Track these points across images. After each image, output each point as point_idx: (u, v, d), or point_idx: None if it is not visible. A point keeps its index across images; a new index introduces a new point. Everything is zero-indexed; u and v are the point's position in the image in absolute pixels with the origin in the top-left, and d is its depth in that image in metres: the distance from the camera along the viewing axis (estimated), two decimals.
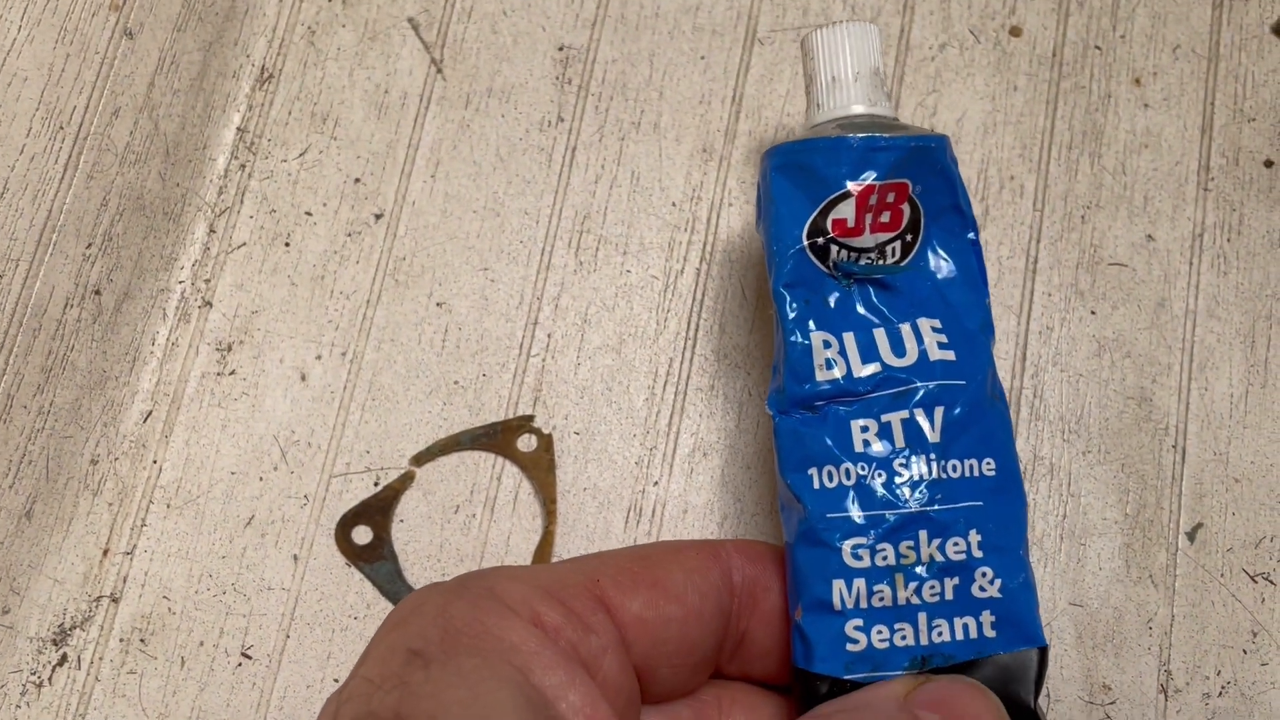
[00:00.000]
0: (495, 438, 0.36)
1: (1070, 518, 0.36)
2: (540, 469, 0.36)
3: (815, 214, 0.30)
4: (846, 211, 0.30)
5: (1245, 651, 0.35)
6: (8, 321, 0.33)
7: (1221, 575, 0.35)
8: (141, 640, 0.35)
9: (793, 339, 0.30)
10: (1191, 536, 0.36)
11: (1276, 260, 0.38)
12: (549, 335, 0.38)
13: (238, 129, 0.39)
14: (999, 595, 0.28)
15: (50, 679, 0.34)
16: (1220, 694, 0.34)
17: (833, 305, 0.30)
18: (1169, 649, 0.35)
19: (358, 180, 0.39)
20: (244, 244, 0.38)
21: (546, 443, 0.36)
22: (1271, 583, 0.35)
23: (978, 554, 0.28)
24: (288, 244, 0.38)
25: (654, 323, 0.38)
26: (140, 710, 0.34)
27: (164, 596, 0.35)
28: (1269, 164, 0.39)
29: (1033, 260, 0.38)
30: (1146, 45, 0.40)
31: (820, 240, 0.30)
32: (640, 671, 0.25)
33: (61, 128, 0.35)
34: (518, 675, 0.20)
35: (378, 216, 0.39)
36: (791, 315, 0.30)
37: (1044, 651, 0.28)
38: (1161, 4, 0.40)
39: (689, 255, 0.38)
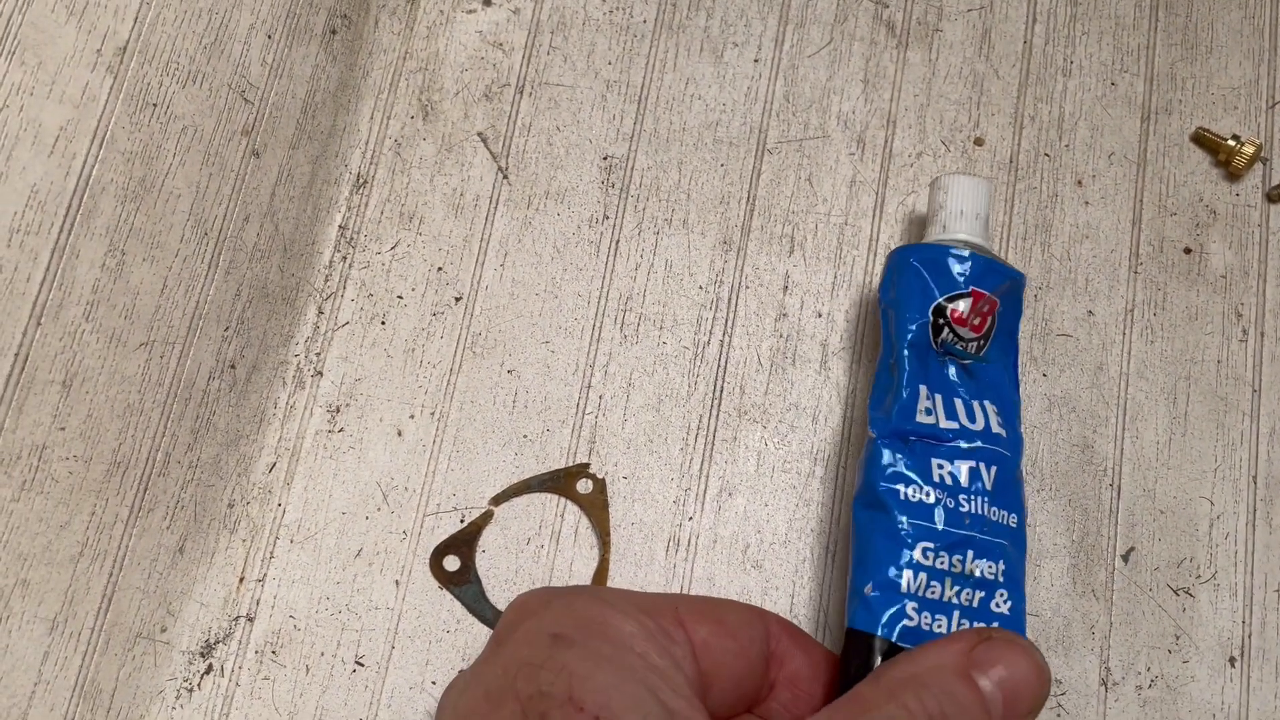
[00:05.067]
0: (558, 482, 0.44)
1: (1028, 544, 0.44)
2: (596, 508, 0.44)
3: (942, 299, 0.39)
4: (963, 306, 0.39)
5: (1170, 652, 0.43)
6: (166, 394, 0.41)
7: (1150, 590, 0.43)
8: (273, 652, 0.42)
9: (905, 386, 0.39)
10: (1126, 558, 0.44)
11: (1194, 331, 0.46)
12: (600, 396, 0.46)
13: (340, 227, 0.47)
14: (1007, 614, 0.37)
15: (199, 685, 0.42)
16: (1150, 686, 0.42)
17: (933, 369, 0.39)
18: (1108, 650, 0.43)
19: (440, 269, 0.47)
20: (347, 323, 0.46)
21: (600, 486, 0.44)
22: (1191, 595, 0.43)
23: (1000, 580, 0.37)
24: (383, 322, 0.46)
25: (686, 385, 0.46)
26: (274, 710, 0.42)
27: (290, 616, 0.43)
28: (1188, 251, 0.47)
29: None
30: (1087, 153, 0.48)
31: (940, 320, 0.39)
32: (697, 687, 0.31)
33: (206, 234, 0.43)
34: (640, 661, 0.27)
35: (457, 299, 0.47)
36: (908, 369, 0.39)
37: None
38: (1099, 118, 0.49)
39: (714, 329, 0.46)
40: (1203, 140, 0.48)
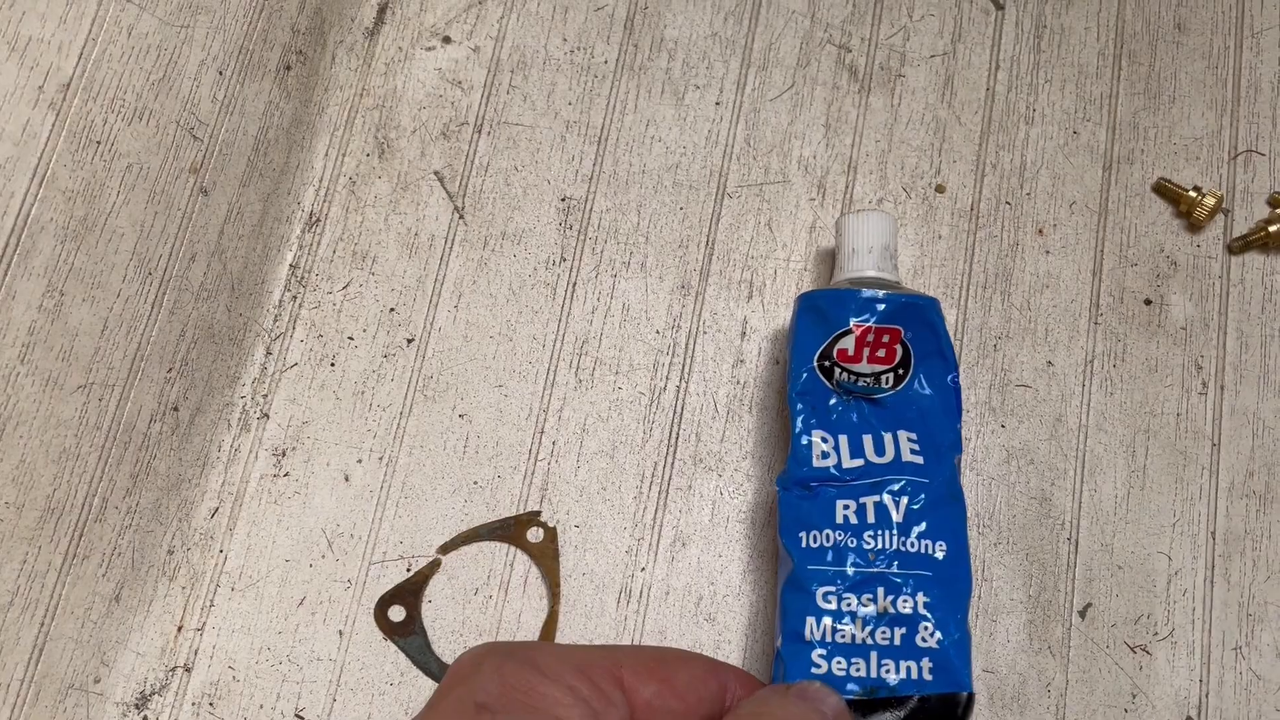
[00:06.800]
0: (508, 530, 0.43)
1: (984, 598, 0.43)
2: (546, 557, 0.43)
3: (825, 343, 0.39)
4: (848, 344, 0.39)
5: (1126, 710, 0.42)
6: (105, 437, 0.40)
7: (1107, 647, 0.43)
8: (210, 704, 0.41)
9: (798, 435, 0.38)
10: (1083, 614, 0.43)
11: (1154, 383, 0.46)
12: (553, 442, 0.45)
13: (290, 265, 0.47)
14: (936, 647, 0.36)
15: None
16: None
17: (832, 412, 0.39)
18: (1064, 709, 0.42)
19: (392, 310, 0.46)
20: (296, 364, 0.45)
21: (551, 535, 0.43)
22: (1148, 653, 0.43)
23: (924, 612, 0.36)
24: (333, 364, 0.45)
25: (641, 432, 0.45)
26: None
27: (229, 666, 0.42)
28: (1148, 302, 0.47)
29: None
30: (1048, 201, 0.48)
31: (826, 363, 0.39)
32: None
33: (150, 273, 0.42)
34: None
35: (409, 340, 0.46)
36: (799, 417, 0.39)
37: (970, 697, 0.36)
38: (1061, 167, 0.48)
39: (670, 375, 0.46)
40: (1164, 191, 0.48)
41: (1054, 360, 0.46)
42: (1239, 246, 0.47)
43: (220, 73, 0.44)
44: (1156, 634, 0.43)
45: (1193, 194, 0.47)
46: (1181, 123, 0.49)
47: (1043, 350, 0.46)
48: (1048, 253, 0.47)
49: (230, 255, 0.45)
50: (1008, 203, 0.48)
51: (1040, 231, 0.48)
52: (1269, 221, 0.47)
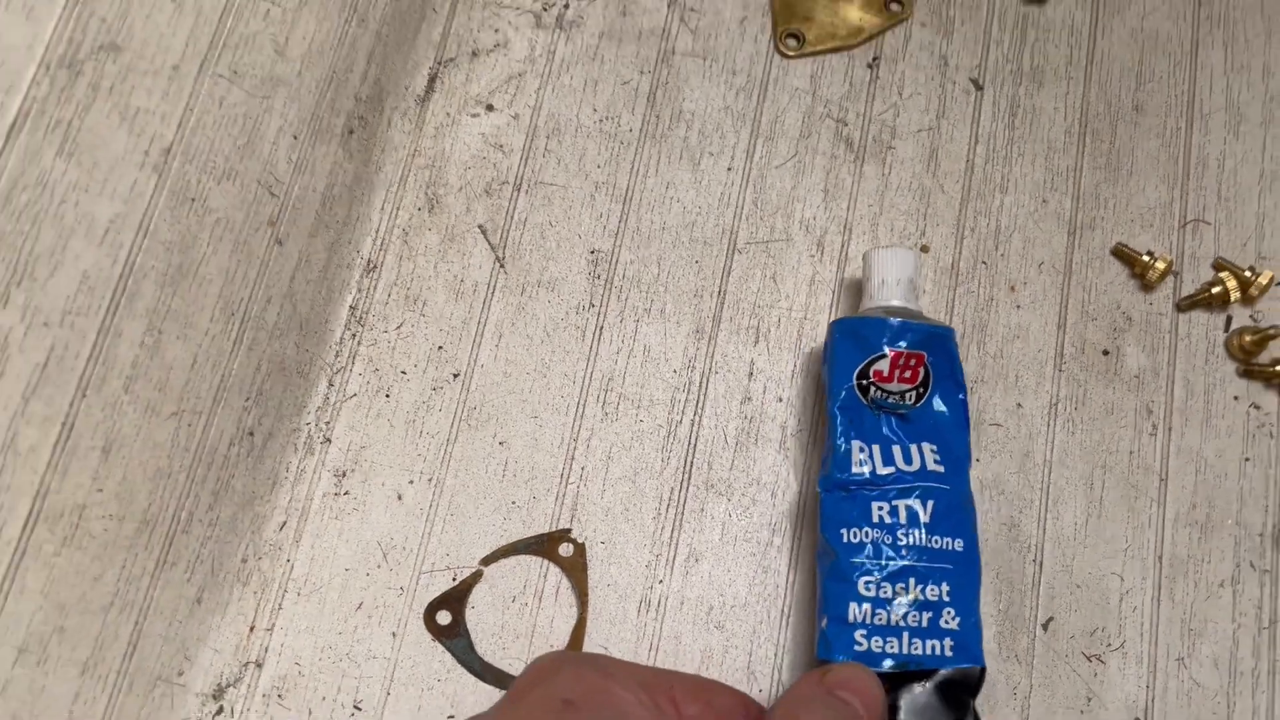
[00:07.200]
0: (542, 546, 0.49)
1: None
2: (576, 570, 0.49)
3: (864, 363, 0.45)
4: (883, 366, 0.45)
5: (1082, 712, 0.48)
6: (192, 458, 0.46)
7: (1066, 656, 0.49)
8: (279, 696, 0.47)
9: (839, 444, 0.45)
10: (1045, 627, 0.49)
11: (1110, 425, 0.52)
12: (582, 468, 0.51)
13: (350, 307, 0.52)
14: (957, 629, 0.42)
15: None
16: None
17: (867, 424, 0.45)
18: (1028, 710, 0.48)
19: (440, 347, 0.52)
20: (355, 395, 0.51)
21: (580, 550, 0.49)
22: (1102, 662, 0.49)
23: (946, 599, 0.43)
24: (388, 395, 0.51)
25: (659, 460, 0.51)
26: None
27: (295, 663, 0.47)
28: (1106, 353, 0.53)
29: None
30: (1019, 262, 0.54)
31: (864, 381, 0.45)
32: None
33: (233, 314, 0.47)
34: None
35: (455, 375, 0.52)
36: (840, 428, 0.45)
37: (983, 670, 0.43)
38: (1031, 231, 0.55)
39: (685, 410, 0.52)
40: (1121, 254, 0.54)
41: (1023, 402, 0.52)
42: (1186, 305, 0.54)
43: (295, 137, 0.50)
44: (1109, 645, 0.49)
45: (1146, 258, 0.53)
46: (1138, 194, 0.56)
47: (1013, 394, 0.52)
48: (1018, 307, 0.54)
49: (299, 298, 0.50)
50: (984, 262, 0.54)
51: (1012, 288, 0.54)
52: (1213, 283, 0.53)
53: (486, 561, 0.49)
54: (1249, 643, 0.49)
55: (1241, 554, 0.50)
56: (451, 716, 0.47)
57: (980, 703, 0.47)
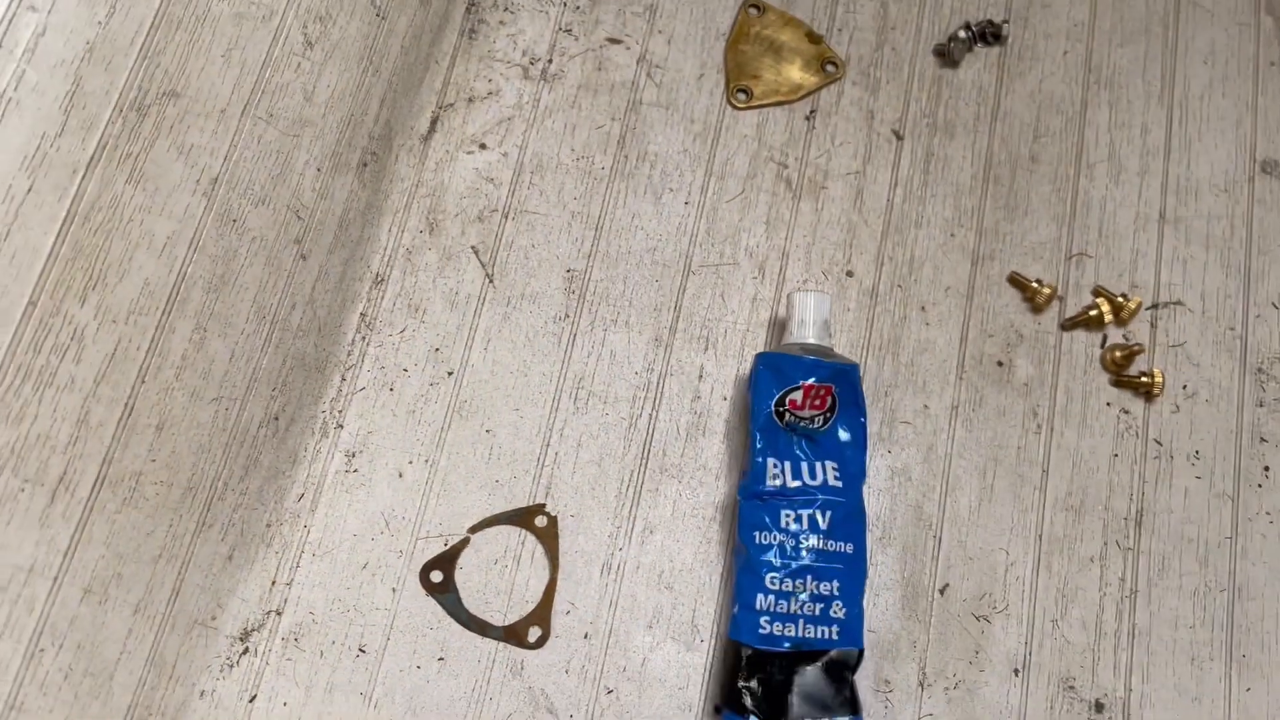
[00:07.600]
0: (521, 517, 0.58)
1: (871, 578, 0.58)
2: (549, 538, 0.58)
3: (781, 393, 0.54)
4: (798, 396, 0.54)
5: (970, 663, 0.57)
6: (228, 437, 0.54)
7: (958, 617, 0.58)
8: (295, 639, 0.55)
9: (757, 459, 0.54)
10: (942, 592, 0.59)
11: (1002, 425, 0.62)
12: (556, 453, 0.60)
13: (361, 314, 0.61)
14: (844, 618, 0.51)
15: (238, 662, 0.54)
16: (955, 688, 0.57)
17: (781, 444, 0.54)
18: (925, 660, 0.57)
19: (437, 349, 0.61)
20: (363, 388, 0.60)
21: (553, 522, 0.58)
22: (989, 622, 0.58)
23: (836, 594, 0.52)
24: (391, 389, 0.60)
25: (622, 447, 0.60)
26: (295, 683, 0.54)
27: (310, 612, 0.56)
28: (1000, 364, 0.63)
29: None
30: (930, 286, 0.64)
31: (781, 409, 0.54)
32: None
33: (264, 318, 0.56)
34: None
35: (449, 373, 0.61)
36: (759, 446, 0.54)
37: (861, 652, 0.52)
38: (940, 261, 0.65)
39: (645, 406, 0.61)
40: (1015, 281, 0.64)
41: (929, 404, 0.62)
42: (1069, 325, 0.64)
43: (318, 169, 0.59)
44: (995, 608, 0.58)
45: (1036, 285, 0.63)
46: (1031, 230, 0.66)
47: (921, 397, 0.62)
48: (928, 324, 0.63)
49: (319, 305, 0.59)
50: (900, 286, 0.64)
51: (923, 308, 0.64)
52: (1091, 307, 0.63)
53: (473, 530, 0.58)
54: (1113, 608, 0.59)
55: (1109, 535, 0.60)
56: (441, 658, 0.55)
57: (876, 663, 0.57)
